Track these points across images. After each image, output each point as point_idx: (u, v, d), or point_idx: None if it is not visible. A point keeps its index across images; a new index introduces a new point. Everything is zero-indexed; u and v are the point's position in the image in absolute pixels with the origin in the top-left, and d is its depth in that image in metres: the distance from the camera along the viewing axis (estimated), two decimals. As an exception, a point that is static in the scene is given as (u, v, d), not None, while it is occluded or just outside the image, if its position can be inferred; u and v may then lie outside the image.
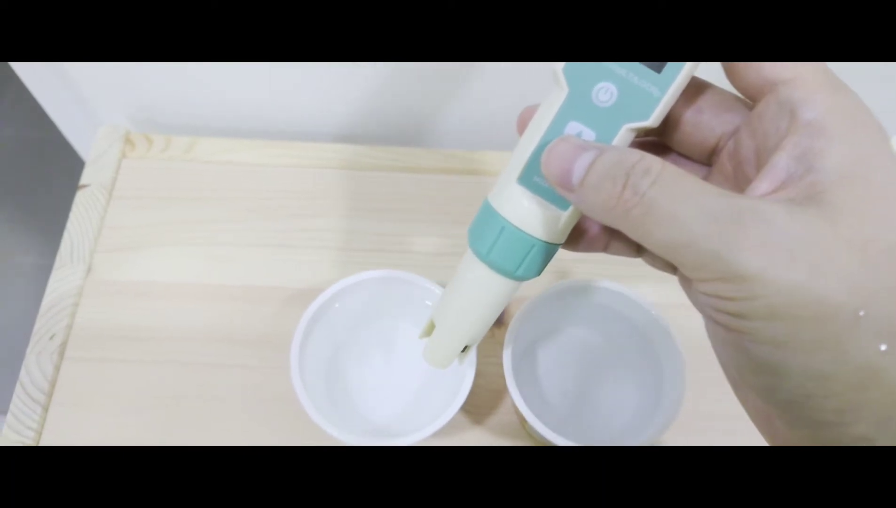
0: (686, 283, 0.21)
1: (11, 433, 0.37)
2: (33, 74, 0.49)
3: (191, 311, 0.41)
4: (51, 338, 0.39)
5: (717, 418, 0.38)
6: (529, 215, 0.21)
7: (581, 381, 0.38)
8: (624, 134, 0.20)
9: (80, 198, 0.44)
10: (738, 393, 0.21)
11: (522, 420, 0.35)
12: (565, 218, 0.21)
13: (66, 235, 0.43)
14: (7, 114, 1.16)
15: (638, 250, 0.23)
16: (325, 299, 0.36)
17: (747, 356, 0.17)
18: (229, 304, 0.41)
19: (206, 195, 0.45)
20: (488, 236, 0.22)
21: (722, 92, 0.21)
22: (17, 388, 0.38)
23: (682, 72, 0.19)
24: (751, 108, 0.19)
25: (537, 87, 0.46)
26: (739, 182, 0.20)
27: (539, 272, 0.22)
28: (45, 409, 0.38)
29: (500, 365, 0.34)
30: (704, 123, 0.20)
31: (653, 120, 0.19)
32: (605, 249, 0.23)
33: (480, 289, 0.23)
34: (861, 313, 0.15)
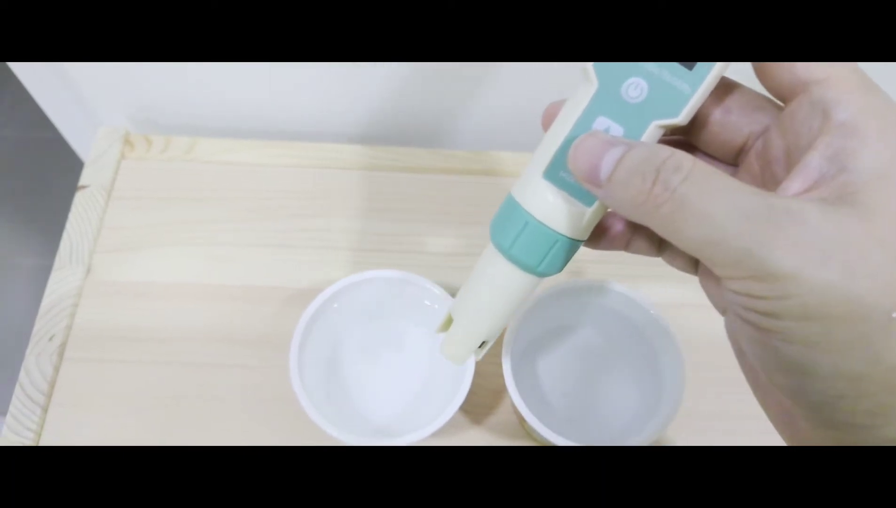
0: (709, 283, 0.21)
1: (11, 434, 0.37)
2: (32, 75, 0.49)
3: (191, 311, 0.41)
4: (50, 339, 0.39)
5: (716, 418, 0.38)
6: (554, 211, 0.21)
7: (580, 381, 0.38)
8: (652, 131, 0.20)
9: (80, 199, 0.44)
10: (759, 394, 0.21)
11: (522, 420, 0.35)
12: (590, 214, 0.21)
13: (65, 236, 0.43)
14: (6, 115, 1.16)
15: (659, 248, 0.23)
16: (325, 299, 0.36)
17: (777, 355, 0.17)
18: (229, 304, 0.41)
19: (206, 196, 0.45)
20: (511, 231, 0.22)
21: (750, 91, 0.21)
22: (17, 389, 0.38)
23: (714, 69, 0.19)
24: (780, 108, 0.19)
25: (538, 87, 0.46)
26: (767, 182, 0.20)
27: (561, 269, 0.22)
28: (45, 410, 0.37)
29: (500, 365, 0.34)
30: (732, 123, 0.20)
31: (682, 117, 0.19)
32: (625, 247, 0.23)
33: (501, 284, 0.23)
34: (894, 315, 0.15)
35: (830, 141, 0.17)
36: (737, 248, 0.16)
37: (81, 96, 0.50)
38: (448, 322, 0.26)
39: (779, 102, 0.20)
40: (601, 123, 0.20)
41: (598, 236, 0.23)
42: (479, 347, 0.26)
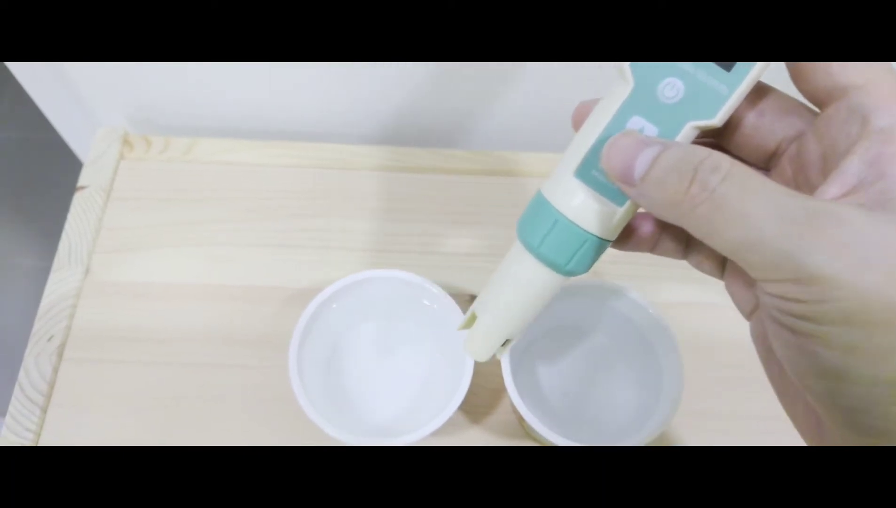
0: (736, 286, 0.21)
1: (10, 434, 0.37)
2: (31, 75, 0.49)
3: (190, 311, 0.41)
4: (49, 339, 0.39)
5: (715, 417, 0.38)
6: (584, 209, 0.21)
7: (580, 380, 0.38)
8: (687, 132, 0.19)
9: (78, 199, 0.44)
10: (785, 400, 0.20)
11: (521, 420, 0.35)
12: (620, 214, 0.21)
13: (64, 236, 0.43)
14: (5, 115, 1.16)
15: (685, 251, 0.23)
16: (324, 299, 0.36)
17: (813, 360, 0.17)
18: (229, 304, 0.41)
19: (206, 196, 0.45)
20: (540, 229, 0.21)
21: (783, 95, 0.21)
22: (16, 390, 0.38)
23: (753, 71, 0.18)
24: (814, 113, 0.19)
25: (538, 87, 0.46)
26: (800, 187, 0.20)
27: (588, 268, 0.22)
28: (44, 410, 0.37)
29: (498, 364, 0.34)
30: (765, 126, 0.20)
31: (718, 119, 0.19)
32: (652, 249, 0.23)
33: (527, 282, 0.23)
34: None
35: (869, 147, 0.17)
36: (777, 250, 0.16)
37: (80, 97, 0.50)
38: (471, 320, 0.26)
39: (814, 106, 0.19)
40: (635, 122, 0.20)
41: (626, 236, 0.22)
42: (503, 345, 0.26)
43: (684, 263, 0.23)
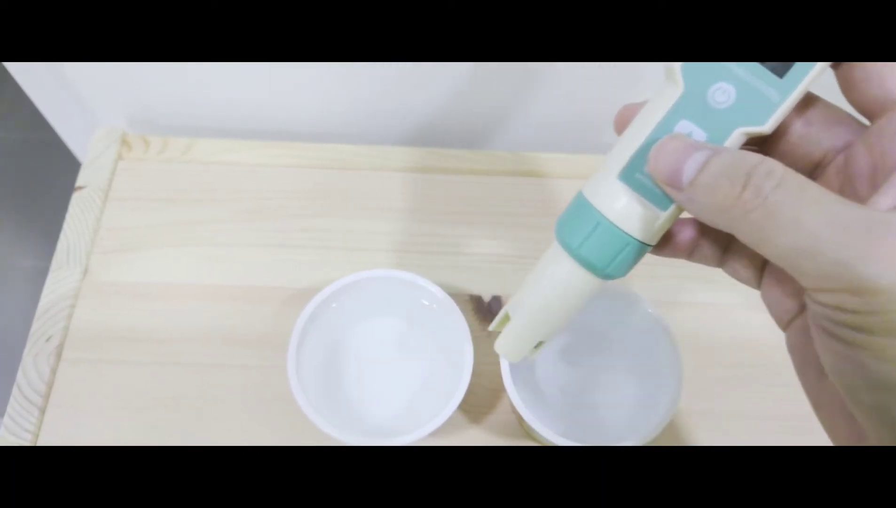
0: (773, 296, 0.21)
1: (9, 435, 0.36)
2: (29, 75, 0.49)
3: (190, 311, 0.41)
4: (47, 340, 0.39)
5: (715, 417, 0.38)
6: (627, 212, 0.20)
7: (579, 380, 0.38)
8: (736, 137, 0.19)
9: (77, 200, 0.44)
10: (822, 411, 0.20)
11: (520, 419, 0.35)
12: (663, 219, 0.21)
13: (62, 237, 0.43)
14: (3, 115, 1.16)
15: (722, 258, 0.22)
16: (323, 299, 0.36)
17: (864, 372, 0.16)
18: (229, 304, 0.41)
19: (205, 196, 0.45)
20: (581, 230, 0.21)
21: (831, 106, 0.20)
22: (14, 390, 0.38)
23: (806, 78, 0.18)
24: (862, 124, 0.19)
25: (538, 87, 0.46)
26: (848, 199, 0.20)
27: (626, 273, 0.22)
28: (42, 411, 0.37)
29: (498, 364, 0.34)
30: (812, 136, 0.20)
31: (769, 126, 0.19)
32: (689, 256, 0.23)
33: (564, 284, 0.23)
34: None
35: None
36: (832, 259, 0.16)
37: (78, 97, 0.49)
38: (504, 320, 0.26)
39: (863, 118, 0.19)
40: (683, 126, 0.20)
41: (665, 242, 0.22)
42: (535, 347, 0.25)
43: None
